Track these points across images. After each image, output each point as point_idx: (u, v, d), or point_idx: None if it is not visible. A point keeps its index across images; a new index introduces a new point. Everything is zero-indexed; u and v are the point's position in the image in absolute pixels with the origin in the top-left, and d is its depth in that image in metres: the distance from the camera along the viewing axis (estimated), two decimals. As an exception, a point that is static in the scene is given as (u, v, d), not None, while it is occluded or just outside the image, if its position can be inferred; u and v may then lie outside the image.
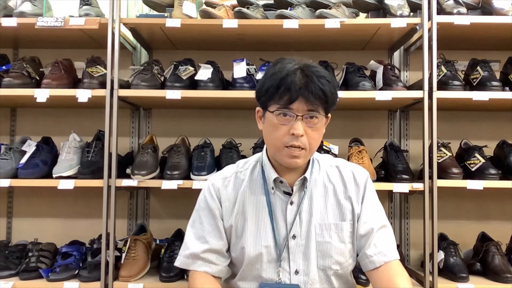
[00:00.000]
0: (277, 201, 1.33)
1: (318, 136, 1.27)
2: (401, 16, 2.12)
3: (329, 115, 1.29)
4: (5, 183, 2.06)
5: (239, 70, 2.15)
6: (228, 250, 1.36)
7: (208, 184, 1.39)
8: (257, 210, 1.33)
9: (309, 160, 1.35)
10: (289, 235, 1.30)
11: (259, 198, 1.34)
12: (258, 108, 1.32)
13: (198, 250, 1.33)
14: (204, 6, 2.18)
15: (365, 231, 1.32)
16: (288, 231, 1.31)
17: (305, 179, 1.33)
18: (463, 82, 2.17)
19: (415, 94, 2.11)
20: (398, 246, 2.39)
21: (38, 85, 2.18)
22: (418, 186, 2.06)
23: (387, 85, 2.16)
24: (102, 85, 2.11)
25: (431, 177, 2.04)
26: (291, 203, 1.32)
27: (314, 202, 1.33)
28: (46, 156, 2.21)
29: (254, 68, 2.20)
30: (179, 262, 1.36)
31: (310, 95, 1.20)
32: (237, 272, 1.35)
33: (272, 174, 1.32)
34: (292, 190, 1.32)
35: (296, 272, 1.30)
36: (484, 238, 2.28)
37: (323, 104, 1.23)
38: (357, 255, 1.35)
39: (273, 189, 1.33)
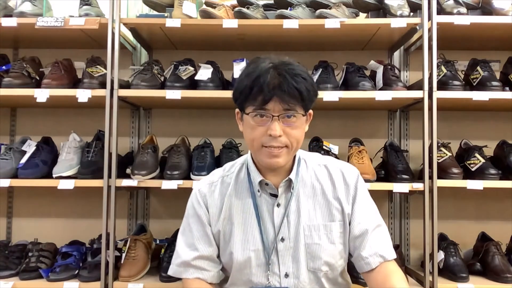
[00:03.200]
0: (264, 204, 1.31)
1: (299, 134, 1.24)
2: (401, 16, 2.12)
3: (311, 112, 1.26)
4: (5, 183, 2.06)
5: (239, 70, 2.15)
6: (219, 255, 1.35)
7: (195, 191, 1.38)
8: (244, 214, 1.31)
9: (294, 160, 1.33)
10: (277, 238, 1.28)
11: (245, 201, 1.32)
12: (237, 110, 1.30)
13: (188, 257, 1.32)
14: (204, 6, 2.18)
15: (359, 232, 1.30)
16: (276, 234, 1.28)
17: (290, 181, 1.30)
18: (463, 82, 2.17)
19: (415, 94, 2.11)
20: (398, 246, 2.39)
21: (38, 85, 2.18)
22: (418, 186, 2.06)
23: (387, 85, 2.16)
24: (102, 85, 2.11)
25: (431, 177, 2.04)
26: (278, 205, 1.30)
27: (301, 203, 1.31)
28: (46, 156, 2.21)
29: (254, 68, 2.20)
30: (172, 271, 1.36)
31: (285, 94, 1.17)
32: (228, 276, 1.35)
33: (257, 177, 1.30)
34: (278, 192, 1.30)
35: (286, 275, 1.28)
36: (484, 238, 2.28)
37: (300, 102, 1.19)
38: (351, 256, 1.34)
39: (259, 191, 1.31)
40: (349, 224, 1.31)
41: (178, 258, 1.34)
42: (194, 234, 1.34)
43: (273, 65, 1.20)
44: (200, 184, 1.39)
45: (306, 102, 1.21)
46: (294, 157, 1.33)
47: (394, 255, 1.30)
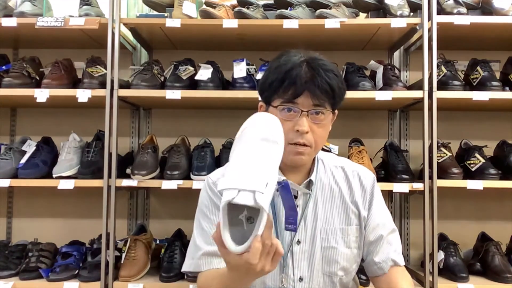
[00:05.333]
0: (281, 204, 1.25)
1: (324, 133, 1.21)
2: (401, 16, 2.12)
3: (336, 111, 1.23)
4: (5, 183, 2.06)
5: (239, 70, 2.15)
6: None
7: (208, 182, 1.31)
8: None
9: (313, 160, 1.30)
10: (293, 240, 1.24)
11: None
12: (261, 103, 1.25)
13: (212, 249, 1.19)
14: (204, 6, 2.18)
15: (374, 237, 1.29)
16: (293, 236, 1.24)
17: (310, 182, 1.27)
18: (463, 82, 2.17)
19: (415, 94, 2.11)
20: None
21: (38, 85, 2.18)
22: (418, 186, 2.06)
23: (387, 85, 2.16)
24: (102, 85, 2.11)
25: (431, 177, 2.04)
26: (296, 206, 1.24)
27: (319, 205, 1.27)
28: (46, 156, 2.22)
29: (254, 68, 2.21)
30: (192, 267, 1.24)
31: (316, 89, 1.14)
32: None
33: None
34: (297, 193, 1.26)
35: (301, 279, 1.24)
36: (484, 238, 2.28)
37: (330, 99, 1.17)
38: (363, 260, 1.32)
39: (277, 191, 1.26)
40: (364, 228, 1.29)
41: (198, 251, 1.23)
42: (214, 225, 1.22)
43: (305, 59, 1.17)
44: (214, 177, 1.32)
45: (336, 99, 1.19)
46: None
47: (403, 262, 1.30)
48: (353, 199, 1.30)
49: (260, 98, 1.26)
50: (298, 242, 1.24)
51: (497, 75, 2.29)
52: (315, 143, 1.19)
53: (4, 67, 2.28)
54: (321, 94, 1.15)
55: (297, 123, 1.16)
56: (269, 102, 1.20)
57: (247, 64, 2.18)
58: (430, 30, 2.08)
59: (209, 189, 1.31)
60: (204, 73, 2.14)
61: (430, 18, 2.08)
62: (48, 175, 2.14)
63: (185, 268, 1.27)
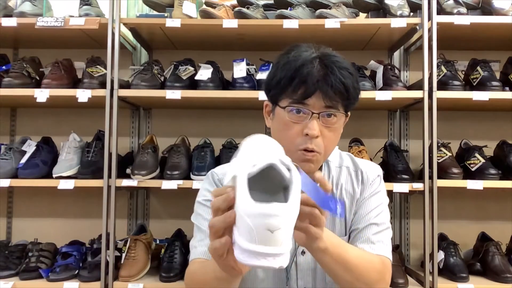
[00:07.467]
0: None
1: (335, 138, 1.11)
2: (401, 16, 2.12)
3: (349, 113, 1.14)
4: (5, 183, 2.06)
5: (239, 70, 2.15)
6: None
7: (214, 178, 1.23)
8: None
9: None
10: (297, 250, 1.16)
11: None
12: (266, 102, 1.16)
13: None
14: (204, 6, 2.18)
15: (355, 227, 1.17)
16: (297, 247, 1.15)
17: None
18: (463, 82, 2.17)
19: (415, 94, 2.11)
20: (398, 246, 2.39)
21: (38, 85, 2.18)
22: (418, 186, 2.06)
23: (387, 85, 2.16)
24: (102, 85, 2.11)
25: (431, 177, 2.04)
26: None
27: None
28: (46, 156, 2.21)
29: (254, 68, 2.21)
30: (207, 254, 1.09)
31: (329, 89, 1.02)
32: None
33: None
34: None
35: None
36: (484, 238, 2.28)
37: (344, 100, 1.06)
38: None
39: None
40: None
41: (206, 239, 1.11)
42: None
43: (318, 55, 1.06)
44: (219, 173, 1.22)
45: (351, 101, 1.08)
46: None
47: (390, 256, 1.15)
48: (355, 198, 1.22)
49: (266, 97, 1.17)
50: (303, 252, 1.17)
51: (497, 75, 2.29)
52: (324, 149, 1.08)
53: (4, 67, 2.28)
54: (335, 94, 1.04)
55: (306, 126, 1.05)
56: (276, 102, 1.10)
57: (247, 64, 2.18)
58: (430, 30, 2.08)
59: (214, 185, 1.23)
60: (204, 73, 2.14)
61: (430, 18, 2.08)
62: (48, 175, 2.14)
63: (195, 255, 1.15)
